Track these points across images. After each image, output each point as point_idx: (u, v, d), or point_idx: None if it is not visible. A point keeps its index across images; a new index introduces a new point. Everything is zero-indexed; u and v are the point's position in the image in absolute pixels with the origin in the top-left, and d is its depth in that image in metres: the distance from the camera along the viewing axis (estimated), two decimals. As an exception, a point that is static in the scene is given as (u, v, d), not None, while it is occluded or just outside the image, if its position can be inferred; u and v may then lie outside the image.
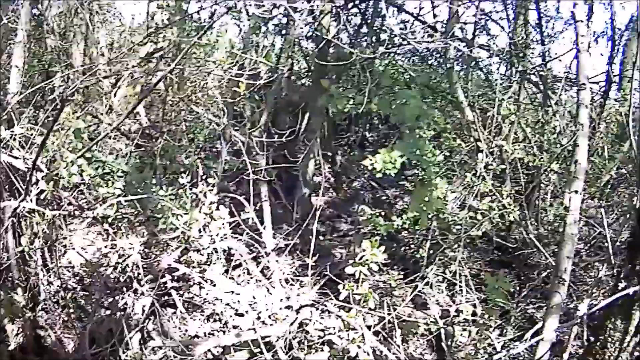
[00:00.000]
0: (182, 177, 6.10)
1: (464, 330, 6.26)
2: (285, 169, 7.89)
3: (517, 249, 7.99)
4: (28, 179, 4.90)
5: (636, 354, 4.63)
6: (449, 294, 7.02)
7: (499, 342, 6.31)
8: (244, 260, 6.63)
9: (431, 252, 6.92)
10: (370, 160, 5.99)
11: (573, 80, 8.72)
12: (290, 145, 7.99)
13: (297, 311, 5.82)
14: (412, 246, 7.63)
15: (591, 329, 4.95)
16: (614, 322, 4.53)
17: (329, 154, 8.03)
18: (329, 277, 6.47)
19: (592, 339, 4.77)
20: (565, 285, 4.70)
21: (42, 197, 5.12)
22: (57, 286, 5.73)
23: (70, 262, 6.28)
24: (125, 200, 5.37)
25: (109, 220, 5.64)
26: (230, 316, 6.00)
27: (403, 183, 7.60)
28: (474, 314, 6.35)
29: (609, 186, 9.41)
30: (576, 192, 4.71)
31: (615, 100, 10.29)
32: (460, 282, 6.71)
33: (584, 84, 4.91)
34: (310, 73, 8.47)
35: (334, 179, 7.65)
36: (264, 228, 6.89)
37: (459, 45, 7.65)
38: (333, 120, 8.12)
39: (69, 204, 5.66)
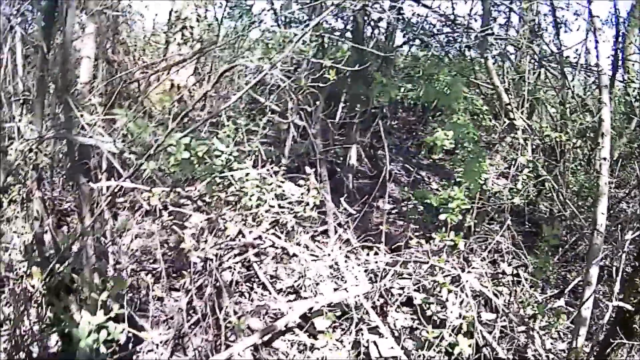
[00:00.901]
0: (245, 162, 6.94)
1: (510, 292, 7.44)
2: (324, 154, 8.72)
3: (546, 219, 9.28)
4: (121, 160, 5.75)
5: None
6: (490, 261, 8.05)
7: (542, 299, 7.63)
8: (317, 234, 7.79)
9: (476, 221, 8.03)
10: (430, 139, 7.30)
11: (583, 65, 10.29)
12: (329, 131, 9.03)
13: (383, 272, 6.91)
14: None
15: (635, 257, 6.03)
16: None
17: (365, 140, 9.10)
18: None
19: (637, 263, 5.78)
20: (602, 237, 5.74)
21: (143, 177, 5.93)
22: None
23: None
24: (220, 177, 6.28)
25: (206, 198, 6.68)
26: (309, 285, 6.93)
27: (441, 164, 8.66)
28: (517, 275, 7.55)
29: (620, 161, 10.96)
30: (604, 159, 5.83)
31: (620, 82, 11.89)
32: (500, 250, 7.92)
33: (603, 69, 6.33)
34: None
35: (371, 163, 8.75)
36: (327, 204, 7.95)
37: (495, 37, 9.11)
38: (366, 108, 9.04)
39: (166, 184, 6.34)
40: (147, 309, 6.44)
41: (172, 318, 6.41)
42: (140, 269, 6.79)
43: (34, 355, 5.67)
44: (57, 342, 5.89)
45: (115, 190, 5.71)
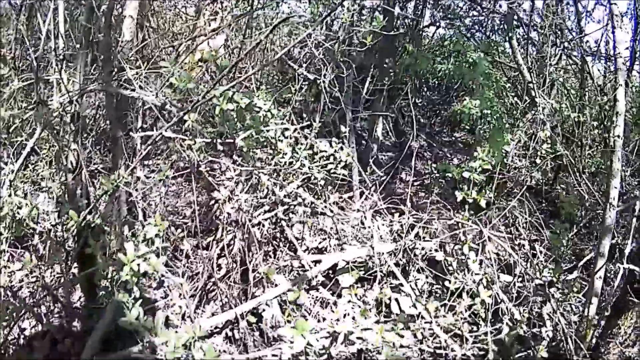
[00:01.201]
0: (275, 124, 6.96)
1: (527, 261, 7.52)
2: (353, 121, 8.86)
3: (562, 195, 9.44)
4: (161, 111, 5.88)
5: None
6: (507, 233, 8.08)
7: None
8: (343, 201, 7.79)
9: (496, 194, 8.07)
10: (458, 107, 7.57)
11: (602, 53, 10.58)
12: (357, 102, 9.05)
13: (407, 231, 7.03)
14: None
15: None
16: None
17: (391, 113, 9.22)
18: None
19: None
20: (614, 210, 6.07)
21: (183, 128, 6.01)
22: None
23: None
24: (257, 133, 6.16)
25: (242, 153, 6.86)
26: (334, 245, 7.09)
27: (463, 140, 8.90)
28: (533, 247, 7.80)
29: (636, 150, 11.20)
30: (618, 136, 6.15)
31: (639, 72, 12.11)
32: (518, 223, 8.09)
33: (619, 53, 6.56)
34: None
35: (396, 137, 8.98)
36: (354, 169, 8.09)
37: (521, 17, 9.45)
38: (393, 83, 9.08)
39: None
40: (174, 266, 6.66)
41: (197, 274, 6.55)
42: (170, 225, 6.90)
43: (57, 308, 5.86)
44: (80, 297, 6.16)
45: (157, 139, 5.84)
